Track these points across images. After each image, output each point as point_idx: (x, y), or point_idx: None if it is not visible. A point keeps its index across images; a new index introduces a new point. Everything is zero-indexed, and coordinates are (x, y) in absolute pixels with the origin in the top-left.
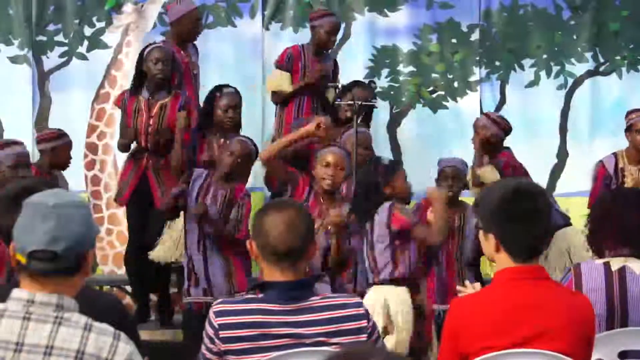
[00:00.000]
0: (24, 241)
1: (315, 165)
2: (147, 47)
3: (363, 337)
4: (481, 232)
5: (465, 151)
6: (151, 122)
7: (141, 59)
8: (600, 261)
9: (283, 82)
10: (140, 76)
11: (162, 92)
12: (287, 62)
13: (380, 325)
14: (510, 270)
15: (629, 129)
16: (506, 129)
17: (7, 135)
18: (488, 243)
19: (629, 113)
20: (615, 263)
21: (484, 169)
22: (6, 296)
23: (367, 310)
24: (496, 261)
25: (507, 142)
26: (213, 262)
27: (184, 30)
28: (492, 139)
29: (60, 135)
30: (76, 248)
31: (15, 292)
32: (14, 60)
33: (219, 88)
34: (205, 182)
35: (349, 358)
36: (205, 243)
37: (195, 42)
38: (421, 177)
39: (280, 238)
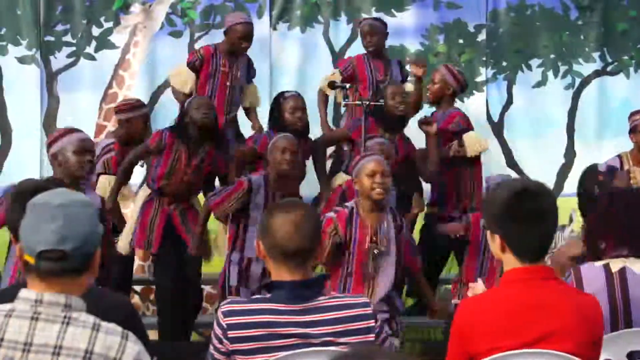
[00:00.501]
0: (32, 241)
1: (359, 178)
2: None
3: (370, 337)
4: (488, 233)
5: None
6: (188, 171)
7: (185, 107)
8: (600, 263)
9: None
10: (183, 122)
11: (205, 143)
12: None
13: None
14: (518, 271)
15: (633, 130)
16: (462, 85)
17: (15, 136)
18: (494, 243)
19: (632, 114)
20: (615, 264)
21: (468, 135)
22: (14, 297)
23: (374, 310)
24: (503, 261)
25: (517, 141)
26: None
27: (229, 42)
28: (447, 90)
29: (136, 106)
30: (84, 247)
31: (23, 292)
32: (22, 60)
33: (282, 93)
34: (265, 189)
35: (356, 358)
36: None
37: (249, 57)
38: None
39: (289, 238)
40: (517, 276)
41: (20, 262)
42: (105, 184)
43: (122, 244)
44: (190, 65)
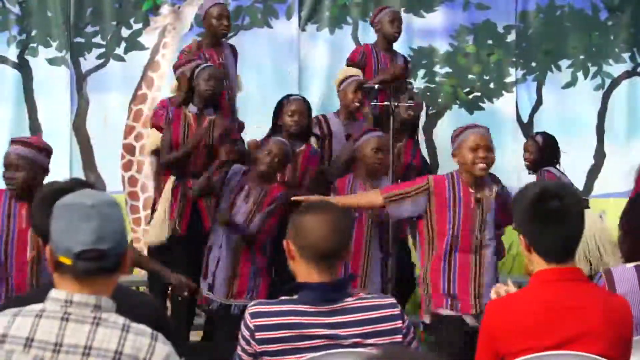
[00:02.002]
0: (68, 242)
1: (459, 151)
2: (198, 66)
3: (398, 337)
4: (517, 232)
5: (502, 152)
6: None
7: (192, 77)
8: (631, 265)
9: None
10: (189, 93)
11: (210, 108)
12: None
13: None
14: (547, 272)
15: None
16: None
17: (45, 137)
18: (521, 244)
19: None
20: None
21: None
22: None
23: (402, 311)
24: (532, 262)
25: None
26: (224, 262)
27: (210, 29)
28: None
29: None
30: (118, 246)
31: (54, 293)
32: (52, 62)
33: (287, 96)
34: (241, 179)
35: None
36: (227, 240)
37: (232, 44)
38: None
39: (325, 238)
40: (546, 277)
41: (50, 263)
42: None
43: (155, 234)
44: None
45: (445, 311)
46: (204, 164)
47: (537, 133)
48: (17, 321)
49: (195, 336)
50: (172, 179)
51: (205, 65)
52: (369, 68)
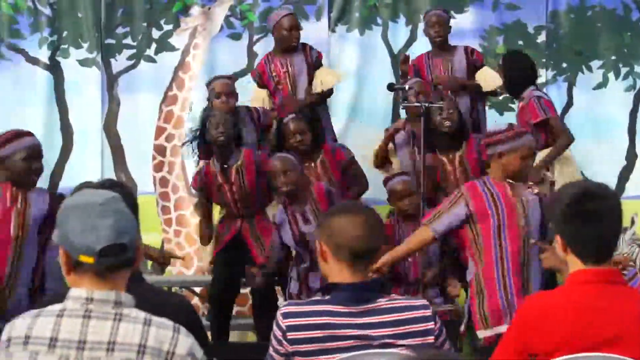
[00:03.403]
0: (89, 242)
1: (509, 157)
2: (208, 111)
3: (430, 339)
4: (554, 233)
5: None
6: (234, 189)
7: (203, 125)
8: None
9: None
10: (204, 140)
11: (232, 155)
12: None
13: None
14: (584, 273)
15: None
16: None
17: (76, 138)
18: (557, 244)
19: None
20: None
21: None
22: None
23: (434, 312)
24: (568, 263)
25: (577, 143)
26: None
27: (280, 39)
28: None
29: None
30: (135, 239)
31: (73, 291)
32: (83, 63)
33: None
34: (286, 213)
35: None
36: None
37: (311, 47)
38: None
39: (360, 238)
40: (582, 278)
41: (65, 266)
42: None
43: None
44: (257, 84)
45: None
46: (251, 208)
47: None
48: (39, 322)
49: (234, 337)
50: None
51: (214, 112)
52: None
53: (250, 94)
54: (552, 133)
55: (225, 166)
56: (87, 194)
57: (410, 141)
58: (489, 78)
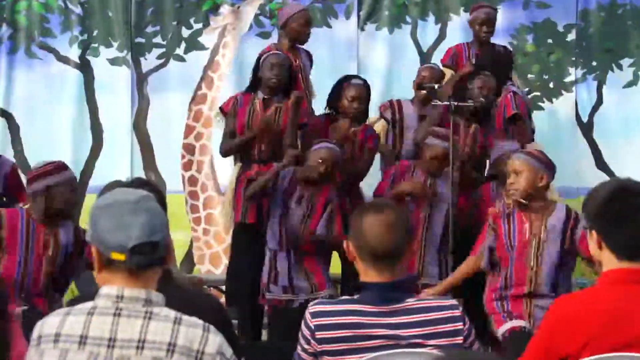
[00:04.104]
0: (121, 239)
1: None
2: (264, 53)
3: (459, 339)
4: (588, 231)
5: (561, 152)
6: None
7: (257, 65)
8: None
9: None
10: (255, 81)
11: (277, 96)
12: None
13: None
14: (618, 272)
15: None
16: None
17: (106, 137)
18: (592, 241)
19: None
20: None
21: None
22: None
23: (463, 313)
24: (602, 260)
25: (607, 142)
26: (296, 260)
27: (292, 33)
28: None
29: None
30: (166, 237)
31: (104, 289)
32: (113, 62)
33: (347, 78)
34: (291, 182)
35: None
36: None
37: (306, 49)
38: None
39: (379, 239)
40: (616, 277)
41: (97, 263)
42: None
43: (222, 222)
44: None
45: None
46: (269, 151)
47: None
48: (69, 320)
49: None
50: (238, 165)
51: (269, 53)
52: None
53: None
54: (517, 128)
55: (266, 97)
56: (119, 192)
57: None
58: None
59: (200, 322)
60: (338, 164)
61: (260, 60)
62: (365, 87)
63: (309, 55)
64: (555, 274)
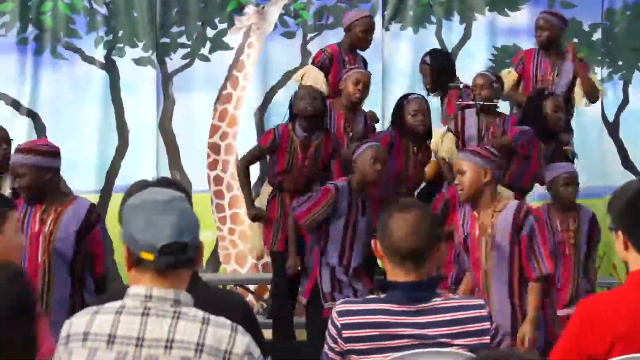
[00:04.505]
0: (150, 238)
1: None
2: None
3: (486, 339)
4: (614, 232)
5: (587, 152)
6: (306, 163)
7: (292, 99)
8: None
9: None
10: (292, 114)
11: (317, 131)
12: None
13: None
14: None
15: None
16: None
17: (132, 137)
18: (618, 241)
19: None
20: None
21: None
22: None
23: (490, 312)
24: (628, 261)
25: (633, 141)
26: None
27: (353, 38)
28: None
29: None
30: (196, 239)
31: (133, 289)
32: (138, 62)
33: (405, 96)
34: (353, 196)
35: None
36: (349, 256)
37: (364, 56)
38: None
39: (404, 239)
40: None
41: (127, 262)
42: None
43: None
44: (319, 65)
45: None
46: (305, 183)
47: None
48: (98, 319)
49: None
50: (268, 186)
51: (301, 87)
52: (527, 74)
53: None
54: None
55: (306, 135)
56: (152, 192)
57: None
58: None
59: (229, 322)
60: (387, 162)
61: (294, 93)
62: (425, 101)
63: (364, 62)
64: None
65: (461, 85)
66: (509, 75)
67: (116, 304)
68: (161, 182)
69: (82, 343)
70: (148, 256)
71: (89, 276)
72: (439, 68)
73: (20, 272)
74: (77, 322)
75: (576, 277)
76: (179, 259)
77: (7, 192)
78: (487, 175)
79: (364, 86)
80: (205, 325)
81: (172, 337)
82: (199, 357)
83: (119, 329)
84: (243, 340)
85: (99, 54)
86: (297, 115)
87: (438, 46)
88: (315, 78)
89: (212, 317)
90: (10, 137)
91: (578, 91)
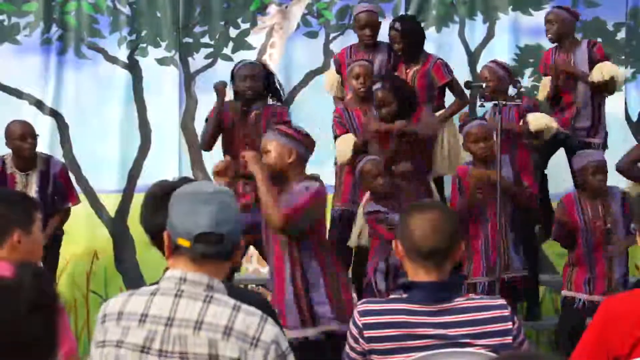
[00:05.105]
0: (188, 226)
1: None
2: (236, 65)
3: (508, 339)
4: (637, 232)
5: (610, 151)
6: (246, 132)
7: (232, 76)
8: None
9: None
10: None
11: (256, 104)
12: None
13: None
14: None
15: None
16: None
17: (154, 136)
18: None
19: None
20: None
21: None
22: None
23: (512, 312)
24: None
25: None
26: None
27: (358, 32)
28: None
29: None
30: (235, 233)
31: (169, 272)
32: (161, 62)
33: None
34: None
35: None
36: None
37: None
38: (562, 176)
39: (425, 238)
40: None
41: (167, 249)
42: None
43: None
44: (336, 72)
45: None
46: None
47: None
48: (133, 299)
49: None
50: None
51: (242, 63)
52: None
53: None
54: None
55: (245, 109)
56: (200, 183)
57: None
58: (605, 72)
59: (259, 312)
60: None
61: (233, 72)
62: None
63: (388, 49)
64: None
65: (483, 85)
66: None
67: (152, 287)
68: (182, 182)
69: (117, 322)
70: (184, 243)
71: None
72: (409, 32)
73: (42, 271)
74: (113, 303)
75: (611, 265)
76: (215, 250)
77: (33, 189)
78: (293, 156)
79: (366, 76)
80: (236, 311)
81: (202, 319)
82: (226, 341)
83: (151, 309)
84: (272, 330)
85: (122, 54)
86: (236, 92)
87: (461, 46)
88: (331, 83)
89: (244, 305)
90: (36, 133)
91: (597, 71)
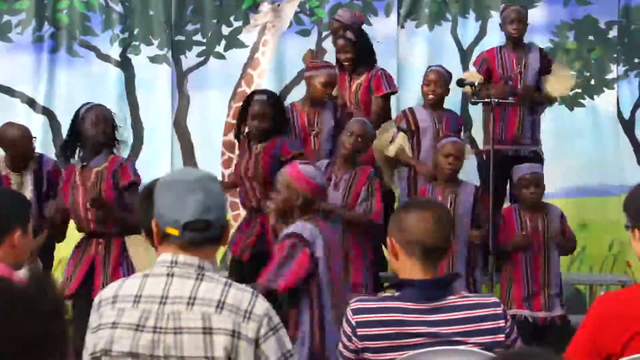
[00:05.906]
0: (176, 214)
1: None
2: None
3: (501, 337)
4: (630, 230)
5: (602, 149)
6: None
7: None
8: None
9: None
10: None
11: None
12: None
13: None
14: None
15: None
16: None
17: (146, 134)
18: (634, 239)
19: None
20: None
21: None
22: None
23: (505, 310)
24: None
25: None
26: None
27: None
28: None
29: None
30: (222, 218)
31: (160, 257)
32: (154, 60)
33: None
34: (327, 170)
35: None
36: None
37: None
38: (557, 174)
39: (430, 234)
40: None
41: (156, 237)
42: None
43: None
44: None
45: None
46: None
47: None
48: (126, 283)
49: None
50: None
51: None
52: (495, 72)
53: None
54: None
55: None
56: (183, 171)
57: None
58: (559, 83)
59: (250, 289)
60: (369, 137)
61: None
62: (269, 103)
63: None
64: None
65: (476, 83)
66: (470, 75)
67: (144, 272)
68: None
69: (112, 305)
70: (173, 231)
71: None
72: (361, 41)
73: (50, 275)
74: (108, 289)
75: (547, 279)
76: (203, 236)
77: (28, 189)
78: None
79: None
80: (228, 287)
81: (194, 295)
82: (219, 314)
83: (145, 289)
84: (264, 304)
85: (115, 51)
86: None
87: (454, 44)
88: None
89: (235, 282)
90: (33, 135)
91: (551, 81)
